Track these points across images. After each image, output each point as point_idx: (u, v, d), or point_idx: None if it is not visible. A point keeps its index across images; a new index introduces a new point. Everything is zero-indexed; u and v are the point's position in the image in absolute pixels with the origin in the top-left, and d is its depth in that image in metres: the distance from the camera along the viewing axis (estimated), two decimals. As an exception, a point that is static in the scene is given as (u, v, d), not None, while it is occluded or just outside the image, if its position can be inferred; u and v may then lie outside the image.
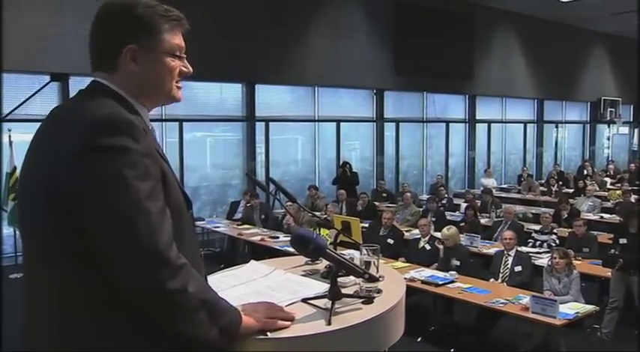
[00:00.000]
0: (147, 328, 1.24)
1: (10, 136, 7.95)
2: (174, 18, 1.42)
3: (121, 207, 1.17)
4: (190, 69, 1.47)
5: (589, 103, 19.37)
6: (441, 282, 5.82)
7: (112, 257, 1.18)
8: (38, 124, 1.40)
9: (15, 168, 7.85)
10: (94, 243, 1.19)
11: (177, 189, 1.34)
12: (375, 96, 13.50)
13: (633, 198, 11.04)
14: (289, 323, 1.41)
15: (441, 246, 6.88)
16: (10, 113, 8.34)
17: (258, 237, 8.26)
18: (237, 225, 9.27)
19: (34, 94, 8.65)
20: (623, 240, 6.30)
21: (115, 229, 1.17)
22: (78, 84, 8.82)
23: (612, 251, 6.41)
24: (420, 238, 7.36)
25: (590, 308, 5.29)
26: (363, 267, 1.62)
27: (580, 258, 6.82)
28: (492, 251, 7.02)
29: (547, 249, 7.22)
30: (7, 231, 8.43)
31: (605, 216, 10.11)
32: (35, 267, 1.31)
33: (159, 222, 1.20)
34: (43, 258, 1.27)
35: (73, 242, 1.21)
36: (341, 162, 12.27)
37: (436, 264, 6.72)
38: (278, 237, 8.06)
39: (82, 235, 1.19)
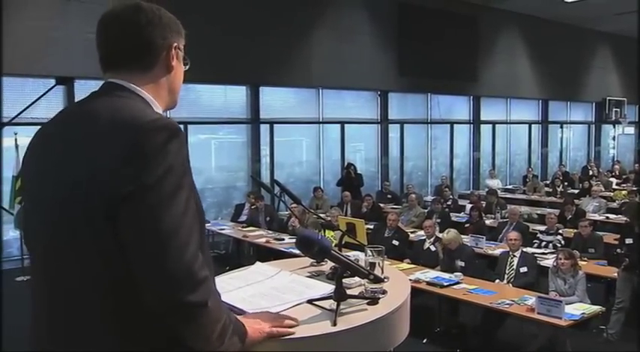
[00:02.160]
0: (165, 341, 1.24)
1: (16, 140, 7.98)
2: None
3: (161, 218, 1.17)
4: None
5: (594, 103, 19.31)
6: (446, 283, 5.81)
7: (141, 264, 1.18)
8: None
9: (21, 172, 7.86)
10: (125, 246, 1.19)
11: (197, 193, 1.34)
12: (379, 98, 13.50)
13: (639, 198, 10.99)
14: (293, 330, 1.41)
15: (435, 248, 6.91)
16: (16, 117, 8.38)
17: (264, 239, 8.27)
18: (242, 227, 9.28)
19: (39, 98, 8.69)
20: (629, 240, 6.28)
21: (151, 239, 1.17)
22: (83, 87, 8.86)
23: (618, 250, 6.39)
24: (425, 239, 7.36)
25: (596, 308, 5.27)
26: (368, 268, 1.63)
27: (586, 259, 6.80)
28: (498, 252, 7.01)
29: (552, 250, 7.19)
30: (14, 234, 8.47)
31: (611, 216, 10.07)
32: (56, 270, 1.29)
33: (189, 234, 1.20)
34: (76, 259, 1.25)
35: (107, 245, 1.20)
36: (345, 164, 12.27)
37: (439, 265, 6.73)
38: (283, 239, 8.06)
39: (115, 239, 1.19)
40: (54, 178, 1.28)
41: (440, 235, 7.34)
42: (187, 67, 1.49)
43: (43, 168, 1.33)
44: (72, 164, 1.25)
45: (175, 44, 1.42)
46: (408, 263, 6.90)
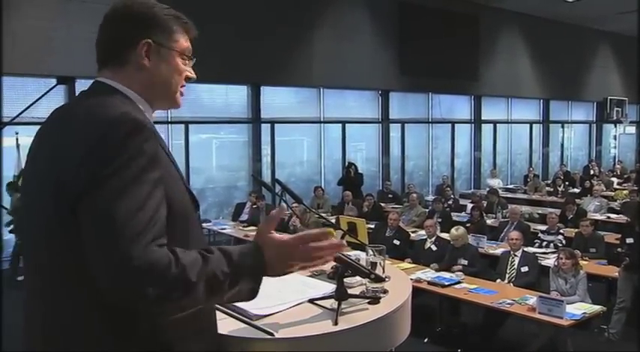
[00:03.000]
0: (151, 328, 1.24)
1: (17, 139, 7.99)
2: (185, 21, 1.44)
3: (109, 212, 1.14)
4: (194, 75, 1.47)
5: (595, 103, 19.28)
6: (447, 283, 5.81)
7: (89, 256, 1.16)
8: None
9: (22, 171, 7.87)
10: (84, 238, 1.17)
11: (183, 192, 1.32)
12: (380, 97, 13.50)
13: (640, 197, 10.98)
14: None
15: (436, 247, 6.96)
16: (17, 116, 8.39)
17: (265, 239, 8.24)
18: (244, 226, 9.28)
19: (40, 97, 8.69)
20: (630, 240, 6.27)
21: (98, 232, 1.15)
22: (84, 86, 8.76)
23: (619, 250, 6.39)
24: (426, 239, 7.34)
25: (597, 308, 5.27)
26: (369, 268, 1.63)
27: (587, 258, 6.79)
28: (499, 251, 7.00)
29: (553, 250, 7.18)
30: (15, 233, 8.47)
31: (612, 215, 10.07)
32: (43, 270, 1.29)
33: (143, 230, 1.15)
34: (59, 258, 1.25)
35: (76, 241, 1.19)
36: (346, 163, 12.28)
37: (436, 264, 6.71)
38: (284, 239, 8.04)
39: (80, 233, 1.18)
40: (37, 178, 1.31)
41: (441, 235, 7.34)
42: (191, 62, 1.46)
43: (32, 168, 1.36)
44: (49, 163, 1.26)
45: (148, 40, 1.37)
46: (409, 262, 6.90)
